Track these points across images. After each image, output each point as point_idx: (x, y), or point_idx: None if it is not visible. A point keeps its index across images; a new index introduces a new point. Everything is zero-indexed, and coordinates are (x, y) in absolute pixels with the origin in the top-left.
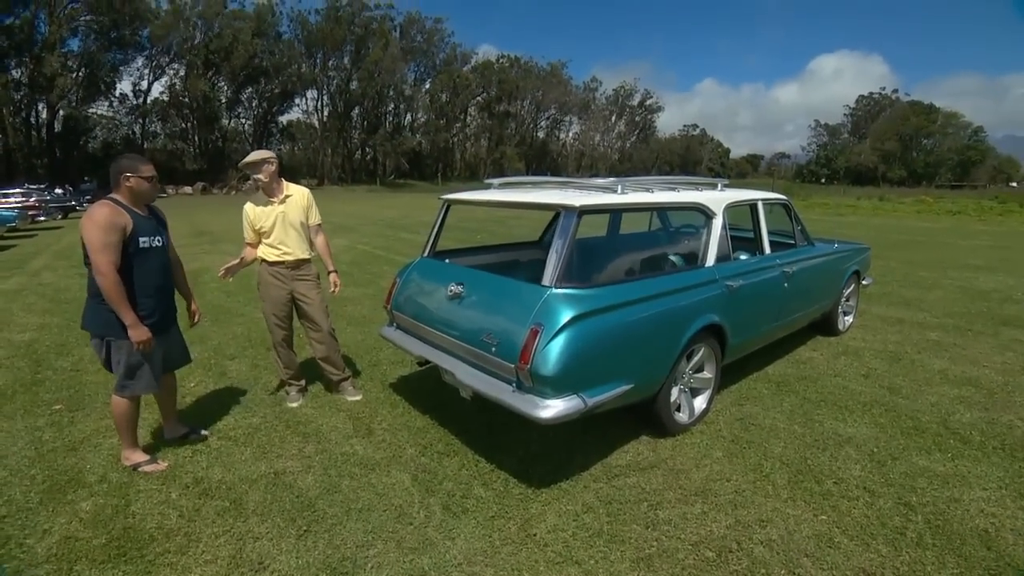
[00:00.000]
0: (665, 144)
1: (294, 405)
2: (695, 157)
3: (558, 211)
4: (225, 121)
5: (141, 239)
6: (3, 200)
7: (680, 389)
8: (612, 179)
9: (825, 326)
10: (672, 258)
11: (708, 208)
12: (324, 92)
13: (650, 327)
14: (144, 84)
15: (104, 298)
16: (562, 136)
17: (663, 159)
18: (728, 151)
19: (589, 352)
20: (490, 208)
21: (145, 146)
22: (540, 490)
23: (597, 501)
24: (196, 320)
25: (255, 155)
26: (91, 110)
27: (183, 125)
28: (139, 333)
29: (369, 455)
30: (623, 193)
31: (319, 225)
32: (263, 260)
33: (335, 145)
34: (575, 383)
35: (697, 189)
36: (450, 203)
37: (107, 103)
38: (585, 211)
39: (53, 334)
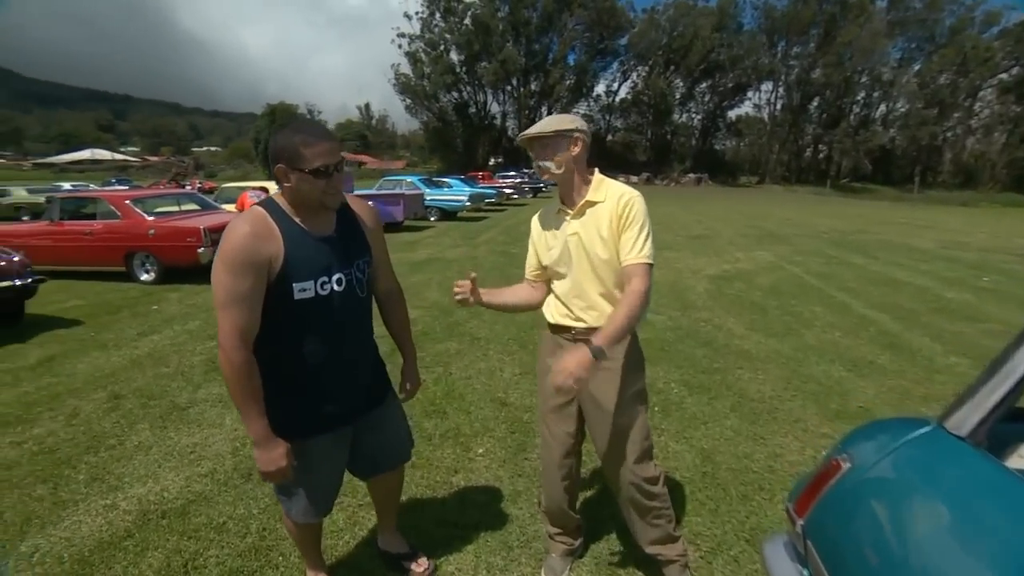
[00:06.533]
0: None
1: None
2: None
3: None
4: (676, 116)
5: (297, 286)
6: (503, 179)
7: None
8: None
9: None
10: None
11: None
12: (780, 83)
13: None
14: (615, 85)
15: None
16: None
17: None
18: None
19: None
20: None
21: (608, 138)
22: None
23: None
24: (407, 396)
25: (551, 123)
26: (575, 110)
27: (639, 120)
28: (268, 459)
29: None
30: None
31: (644, 265)
32: (548, 321)
33: (783, 141)
34: None
35: None
36: None
37: (586, 103)
38: None
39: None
